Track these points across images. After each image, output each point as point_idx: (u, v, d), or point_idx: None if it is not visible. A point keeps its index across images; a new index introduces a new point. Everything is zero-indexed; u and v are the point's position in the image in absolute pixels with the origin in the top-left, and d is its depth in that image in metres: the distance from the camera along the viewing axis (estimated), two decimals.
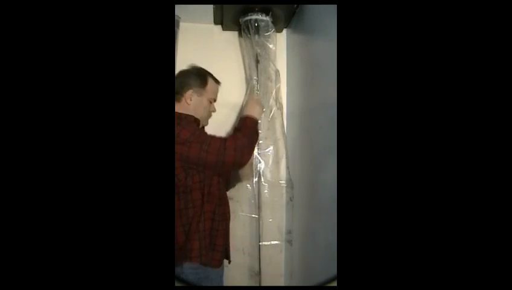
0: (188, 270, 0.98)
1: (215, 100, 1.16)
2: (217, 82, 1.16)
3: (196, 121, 1.09)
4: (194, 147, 0.97)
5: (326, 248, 0.94)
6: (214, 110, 1.17)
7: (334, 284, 0.60)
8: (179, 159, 0.97)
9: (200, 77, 1.12)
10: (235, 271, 1.28)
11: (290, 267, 1.32)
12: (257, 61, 1.31)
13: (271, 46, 1.31)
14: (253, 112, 1.15)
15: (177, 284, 0.84)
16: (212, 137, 1.03)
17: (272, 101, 1.31)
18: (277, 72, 1.33)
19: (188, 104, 1.08)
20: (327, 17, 0.98)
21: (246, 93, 1.35)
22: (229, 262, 1.15)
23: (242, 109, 1.27)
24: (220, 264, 1.07)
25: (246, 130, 1.10)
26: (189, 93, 1.09)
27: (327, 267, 0.84)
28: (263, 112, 1.24)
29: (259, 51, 1.30)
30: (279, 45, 1.42)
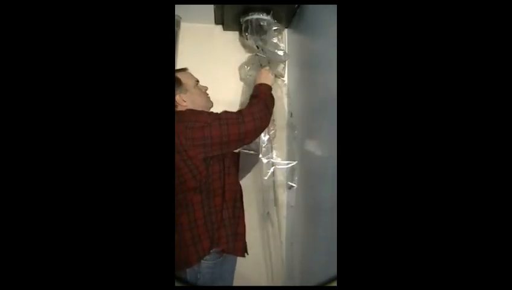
0: (205, 270, 1.01)
1: (197, 81, 1.17)
2: (182, 69, 1.18)
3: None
4: (214, 125, 0.99)
5: (326, 248, 0.94)
6: (206, 88, 1.19)
7: (334, 284, 0.60)
8: (202, 144, 0.99)
9: None
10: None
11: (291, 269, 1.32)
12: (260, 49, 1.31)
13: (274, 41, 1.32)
14: (265, 80, 1.19)
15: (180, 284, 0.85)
16: (227, 112, 1.06)
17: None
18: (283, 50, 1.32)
19: (185, 105, 1.10)
20: (327, 17, 0.98)
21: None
22: (247, 253, 1.16)
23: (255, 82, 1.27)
24: (242, 254, 1.10)
25: (261, 95, 1.13)
26: (177, 99, 1.10)
27: (327, 267, 0.84)
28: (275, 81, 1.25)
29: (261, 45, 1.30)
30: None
